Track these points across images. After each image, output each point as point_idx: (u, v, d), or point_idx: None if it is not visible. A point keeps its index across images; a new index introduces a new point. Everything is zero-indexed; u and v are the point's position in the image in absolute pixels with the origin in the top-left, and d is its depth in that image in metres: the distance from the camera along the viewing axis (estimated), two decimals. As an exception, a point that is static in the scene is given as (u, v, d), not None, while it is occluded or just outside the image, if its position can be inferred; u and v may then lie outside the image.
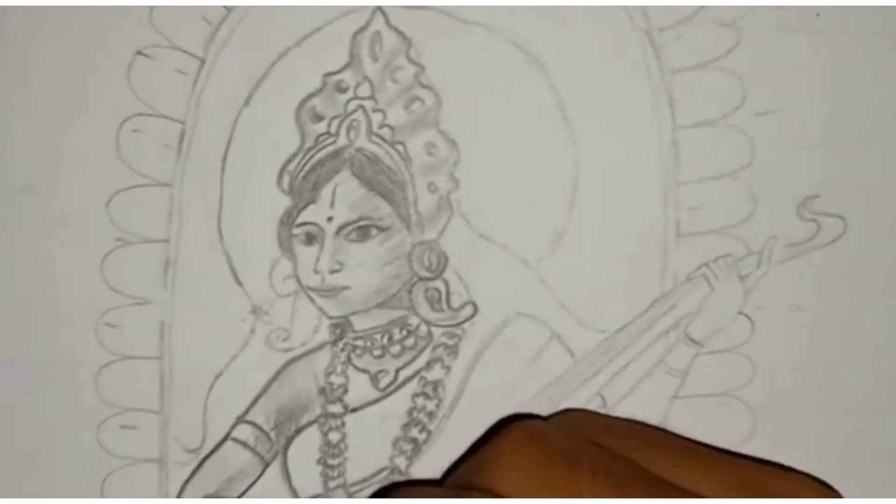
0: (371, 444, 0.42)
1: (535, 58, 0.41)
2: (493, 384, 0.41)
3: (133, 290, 0.41)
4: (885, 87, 0.42)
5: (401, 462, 0.41)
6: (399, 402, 0.42)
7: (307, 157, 0.41)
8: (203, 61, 0.41)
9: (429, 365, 0.41)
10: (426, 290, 0.41)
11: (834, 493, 0.33)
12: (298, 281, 0.41)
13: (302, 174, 0.41)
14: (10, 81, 0.41)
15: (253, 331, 0.41)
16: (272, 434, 0.41)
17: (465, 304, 0.41)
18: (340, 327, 0.41)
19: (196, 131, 0.41)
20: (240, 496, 0.42)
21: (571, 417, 0.36)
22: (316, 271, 0.41)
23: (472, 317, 0.41)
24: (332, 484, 0.42)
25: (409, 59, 0.41)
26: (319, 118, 0.41)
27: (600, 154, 0.41)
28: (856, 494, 0.40)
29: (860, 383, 0.42)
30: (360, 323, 0.41)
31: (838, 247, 0.41)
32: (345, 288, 0.41)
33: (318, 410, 0.41)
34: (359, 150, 0.41)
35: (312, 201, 0.41)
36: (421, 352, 0.41)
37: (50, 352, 0.41)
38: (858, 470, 0.41)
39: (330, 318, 0.41)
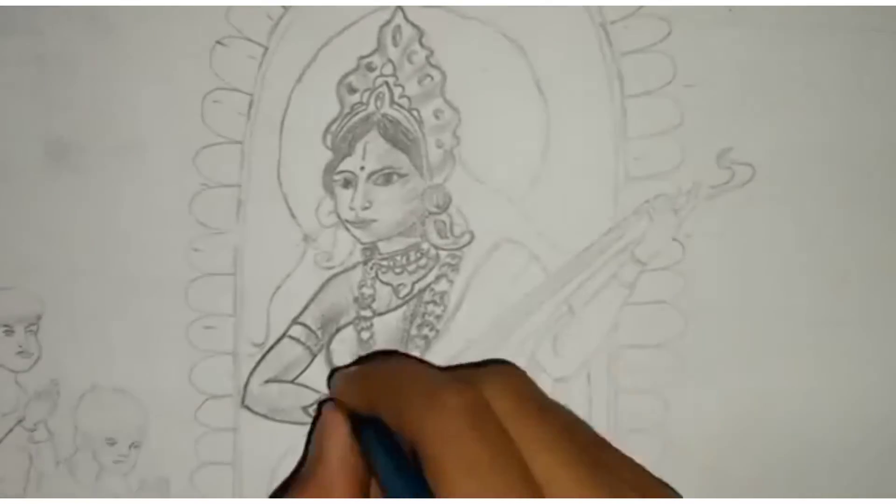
0: (393, 340, 0.45)
1: (517, 44, 0.43)
2: (486, 294, 0.43)
3: (213, 223, 0.43)
4: (788, 64, 0.45)
5: (415, 353, 0.45)
6: (415, 308, 0.45)
7: (345, 120, 0.43)
8: (266, 48, 0.42)
9: (437, 279, 0.44)
10: (435, 222, 0.44)
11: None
12: (338, 215, 0.43)
13: (341, 134, 0.43)
14: (120, 68, 0.43)
15: (304, 254, 0.43)
16: (319, 332, 0.43)
17: (465, 232, 0.43)
18: (370, 250, 0.44)
19: (261, 101, 0.43)
20: (293, 380, 0.44)
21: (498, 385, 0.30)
22: (351, 208, 0.43)
23: (469, 242, 0.43)
24: None
25: (422, 45, 0.42)
26: (354, 91, 0.43)
27: (566, 117, 0.43)
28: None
29: (769, 286, 0.45)
30: (385, 247, 0.44)
31: (748, 188, 0.43)
32: (373, 221, 0.43)
33: (353, 314, 0.43)
34: (384, 115, 0.43)
35: (349, 154, 0.43)
36: (430, 270, 0.43)
37: (150, 270, 0.44)
38: (776, 361, 0.44)
39: (362, 243, 0.44)
